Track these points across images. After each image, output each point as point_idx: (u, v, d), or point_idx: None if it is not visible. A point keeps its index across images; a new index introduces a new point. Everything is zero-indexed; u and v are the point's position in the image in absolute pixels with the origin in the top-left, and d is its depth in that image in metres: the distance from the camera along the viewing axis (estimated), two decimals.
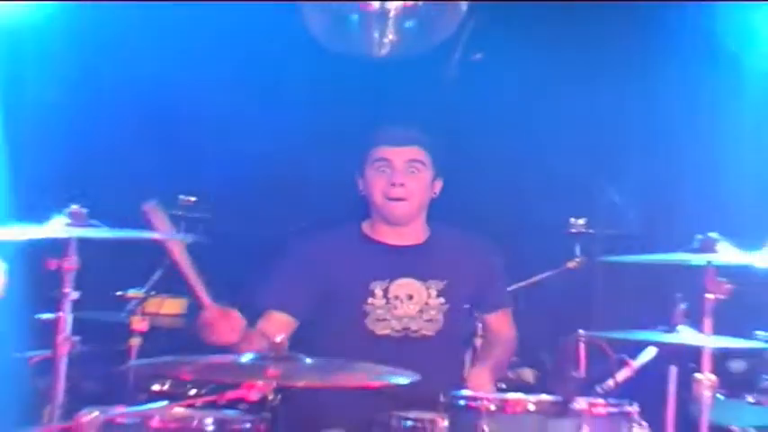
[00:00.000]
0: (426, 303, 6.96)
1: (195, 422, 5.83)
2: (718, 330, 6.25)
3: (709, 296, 6.18)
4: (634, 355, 6.79)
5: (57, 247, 5.87)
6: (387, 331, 6.91)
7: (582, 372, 6.71)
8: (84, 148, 7.64)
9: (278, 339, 6.03)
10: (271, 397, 6.28)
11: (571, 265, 7.65)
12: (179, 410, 5.93)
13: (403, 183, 6.92)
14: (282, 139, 8.06)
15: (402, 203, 6.95)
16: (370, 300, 6.93)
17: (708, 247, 6.23)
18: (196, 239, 6.68)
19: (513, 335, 7.31)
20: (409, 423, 6.07)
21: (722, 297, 6.19)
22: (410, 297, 6.96)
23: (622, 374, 6.69)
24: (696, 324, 6.32)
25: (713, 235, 6.27)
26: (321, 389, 6.53)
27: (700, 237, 6.30)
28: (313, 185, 8.32)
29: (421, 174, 6.97)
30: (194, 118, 7.93)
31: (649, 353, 6.78)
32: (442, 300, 6.97)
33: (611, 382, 6.61)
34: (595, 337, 6.81)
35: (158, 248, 6.53)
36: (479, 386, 6.65)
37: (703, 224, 6.44)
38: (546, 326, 7.47)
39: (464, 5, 7.87)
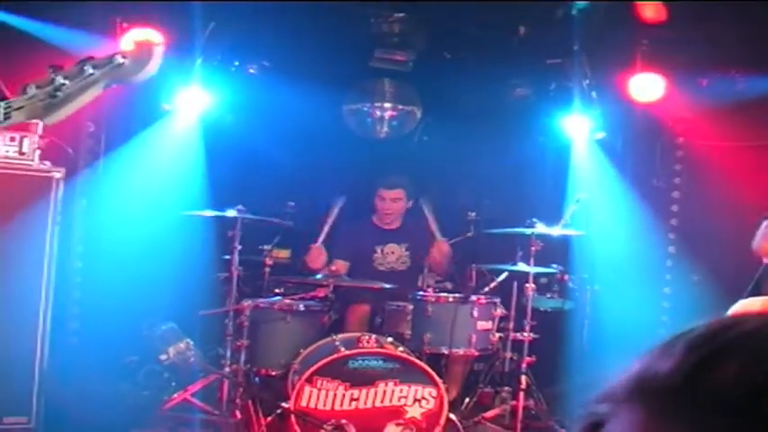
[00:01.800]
0: (401, 255, 7.25)
1: (295, 306, 6.32)
2: (535, 264, 6.58)
3: (532, 248, 6.52)
4: (498, 275, 6.89)
5: (232, 224, 6.33)
6: (383, 268, 7.20)
7: (473, 283, 6.85)
8: (244, 172, 7.66)
9: (333, 267, 6.76)
10: (330, 295, 6.54)
11: (469, 234, 7.48)
12: (288, 301, 6.44)
13: (390, 207, 7.21)
14: (326, 176, 7.86)
15: (390, 216, 7.23)
16: (374, 254, 7.24)
17: (532, 225, 6.53)
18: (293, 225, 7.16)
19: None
20: (393, 307, 6.54)
21: (538, 249, 6.54)
22: (393, 252, 7.25)
23: (492, 286, 6.83)
24: (526, 261, 6.61)
25: (535, 219, 6.57)
26: (351, 289, 6.83)
27: (528, 221, 6.60)
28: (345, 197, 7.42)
29: (399, 202, 7.19)
30: (287, 164, 7.80)
31: (503, 275, 6.85)
32: (408, 253, 7.25)
33: (487, 289, 6.77)
34: (479, 266, 6.95)
35: (276, 228, 7.12)
36: (441, 252, 7.12)
37: (530, 214, 6.71)
38: (457, 262, 7.41)
39: (419, 113, 8.12)
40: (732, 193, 6.87)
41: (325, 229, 7.05)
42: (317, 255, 7.05)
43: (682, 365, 0.75)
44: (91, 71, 2.59)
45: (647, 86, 7.34)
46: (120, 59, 2.63)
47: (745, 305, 4.32)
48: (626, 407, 0.79)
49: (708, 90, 7.31)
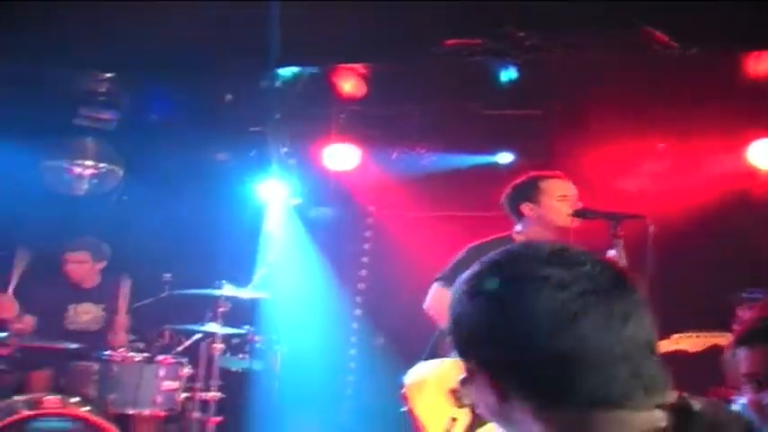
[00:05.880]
0: (96, 315, 7.10)
1: None
2: (227, 325, 6.59)
3: (220, 309, 6.58)
4: (190, 336, 6.88)
5: None
6: (73, 327, 7.03)
7: (167, 343, 6.87)
8: None
9: (19, 325, 6.53)
10: (16, 354, 6.32)
11: (163, 295, 7.17)
12: None
13: (75, 270, 7.06)
14: (19, 231, 7.47)
15: (75, 278, 7.07)
16: (66, 312, 7.05)
17: (220, 286, 6.62)
18: None
19: None
20: (78, 367, 6.31)
21: (226, 310, 6.62)
22: (87, 312, 7.11)
23: (184, 346, 6.85)
24: (216, 322, 6.60)
25: (223, 281, 6.64)
26: (37, 348, 6.50)
27: (217, 282, 6.66)
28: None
29: (85, 265, 7.05)
30: None
31: (196, 336, 6.79)
32: (104, 313, 7.08)
33: (179, 349, 6.78)
34: (172, 327, 7.00)
35: None
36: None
37: (224, 276, 6.73)
38: (150, 323, 7.06)
39: (120, 172, 7.99)
40: (416, 260, 7.28)
41: (13, 279, 6.74)
42: (4, 305, 6.73)
43: None
44: None
45: (342, 156, 7.75)
46: None
47: (421, 368, 4.65)
48: None
49: (398, 163, 7.81)
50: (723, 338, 4.46)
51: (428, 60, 6.91)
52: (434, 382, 4.44)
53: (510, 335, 1.44)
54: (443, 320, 4.53)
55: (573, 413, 1.43)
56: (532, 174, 4.97)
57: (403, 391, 4.53)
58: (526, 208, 4.85)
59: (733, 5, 5.45)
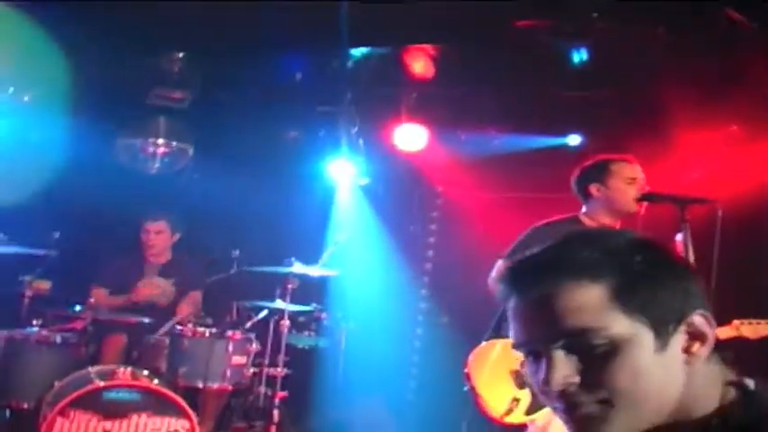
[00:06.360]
0: (166, 289, 7.22)
1: (51, 338, 6.22)
2: (295, 303, 6.70)
3: (289, 287, 6.65)
4: (258, 312, 7.00)
5: None
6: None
7: (235, 319, 7.01)
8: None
9: (92, 300, 6.57)
10: (89, 328, 6.40)
11: (232, 271, 7.35)
12: (44, 332, 6.24)
13: (154, 239, 7.24)
14: (95, 207, 7.54)
15: (154, 248, 7.23)
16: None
17: (289, 264, 6.68)
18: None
19: None
20: (149, 340, 6.51)
21: (294, 287, 6.69)
22: (159, 286, 7.21)
23: (252, 322, 6.91)
24: (284, 299, 6.69)
25: (292, 258, 6.69)
26: (109, 322, 6.68)
27: (286, 260, 6.72)
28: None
29: (163, 234, 7.20)
30: (56, 193, 7.51)
31: (264, 312, 6.92)
32: (174, 288, 7.22)
33: (248, 325, 6.82)
34: (240, 303, 7.13)
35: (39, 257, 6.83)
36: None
37: (293, 254, 6.78)
38: (219, 298, 7.35)
39: (191, 150, 8.14)
40: (483, 240, 7.26)
41: None
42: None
43: None
44: None
45: (410, 137, 7.80)
46: None
47: (485, 348, 4.69)
48: None
49: (466, 144, 7.82)
50: None
51: (498, 41, 6.90)
52: (498, 362, 4.47)
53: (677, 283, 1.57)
54: None
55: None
56: (602, 156, 4.98)
57: (466, 370, 4.56)
58: (594, 189, 4.86)
59: None
